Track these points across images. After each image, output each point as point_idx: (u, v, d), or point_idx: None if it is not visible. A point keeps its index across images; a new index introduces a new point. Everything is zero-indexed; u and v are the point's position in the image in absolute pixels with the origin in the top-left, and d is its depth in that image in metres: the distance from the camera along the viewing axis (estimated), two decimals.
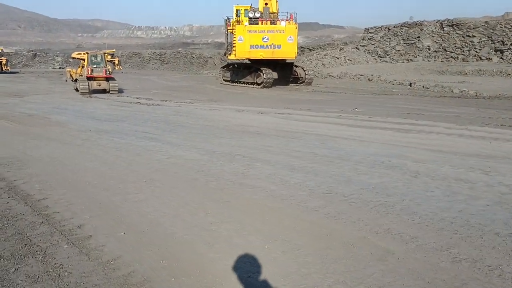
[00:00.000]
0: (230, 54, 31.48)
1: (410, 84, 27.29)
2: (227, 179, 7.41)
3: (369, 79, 31.75)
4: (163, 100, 21.92)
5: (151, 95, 24.73)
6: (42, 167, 8.08)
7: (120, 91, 27.12)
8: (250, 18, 29.41)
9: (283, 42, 28.98)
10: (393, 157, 8.95)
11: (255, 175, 7.64)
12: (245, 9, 32.16)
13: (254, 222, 5.53)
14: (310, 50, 57.05)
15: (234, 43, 29.88)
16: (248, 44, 29.09)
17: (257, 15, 29.41)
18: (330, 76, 35.65)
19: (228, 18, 31.47)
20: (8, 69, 48.49)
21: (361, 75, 33.48)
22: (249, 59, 31.23)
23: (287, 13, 30.28)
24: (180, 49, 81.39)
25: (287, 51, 29.40)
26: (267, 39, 29.00)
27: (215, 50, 75.63)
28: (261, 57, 29.66)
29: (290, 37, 28.95)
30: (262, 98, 23.70)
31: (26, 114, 16.64)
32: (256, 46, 29.10)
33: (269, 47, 29.11)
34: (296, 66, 32.89)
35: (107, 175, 7.56)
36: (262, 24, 29.42)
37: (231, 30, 31.04)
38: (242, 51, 29.50)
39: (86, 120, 15.36)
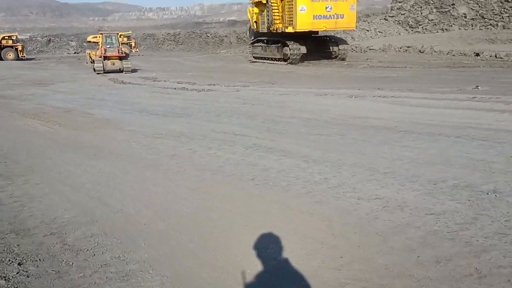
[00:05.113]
0: (274, 26, 26.60)
1: (477, 55, 22.69)
2: None
3: (420, 51, 27.06)
4: (210, 84, 17.53)
5: (190, 79, 20.30)
6: (170, 262, 3.52)
7: (133, 70, 24.81)
8: None
9: (346, 12, 24.33)
10: None
11: None
12: None
13: None
14: None
15: (291, 14, 24.84)
16: (311, 15, 24.04)
17: None
18: (370, 49, 30.93)
19: None
20: (24, 56, 43.71)
21: (408, 47, 28.76)
22: (297, 32, 26.30)
23: None
24: (179, 30, 75.50)
25: (349, 21, 24.93)
26: (330, 8, 24.09)
27: (229, 28, 70.13)
28: (324, 29, 25.03)
29: (352, 6, 24.42)
30: (322, 78, 19.28)
31: (62, 109, 12.32)
32: (319, 17, 24.17)
33: (332, 17, 24.30)
34: (330, 40, 28.27)
35: None
36: None
37: (274, 2, 26.13)
38: (305, 23, 24.40)
39: (139, 115, 11.09)
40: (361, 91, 13.34)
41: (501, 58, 21.02)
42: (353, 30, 26.64)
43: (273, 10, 26.49)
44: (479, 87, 12.25)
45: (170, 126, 9.29)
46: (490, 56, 22.15)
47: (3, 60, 40.62)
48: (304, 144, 7.18)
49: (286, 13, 25.72)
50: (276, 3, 26.64)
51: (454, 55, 24.17)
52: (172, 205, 4.63)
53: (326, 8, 24.31)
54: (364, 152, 6.46)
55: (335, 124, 8.80)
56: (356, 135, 7.67)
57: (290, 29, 25.17)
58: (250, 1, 30.66)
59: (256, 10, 30.31)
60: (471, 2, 37.51)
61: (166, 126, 9.32)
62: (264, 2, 27.33)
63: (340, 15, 24.57)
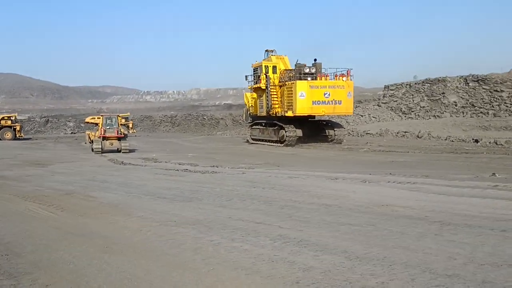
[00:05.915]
0: (273, 110, 27.28)
1: (477, 141, 22.84)
2: None
3: (418, 136, 27.34)
4: (213, 166, 17.01)
5: (191, 160, 19.89)
6: None
7: (131, 151, 25.30)
8: (305, 73, 25.55)
9: (343, 98, 25.47)
10: None
11: None
12: (273, 66, 28.52)
13: None
14: None
15: (290, 99, 25.83)
16: (310, 100, 25.18)
17: (313, 70, 25.64)
18: (367, 134, 31.28)
19: (266, 76, 27.47)
20: (22, 136, 43.84)
21: (405, 132, 29.13)
22: (296, 116, 26.74)
23: (336, 69, 26.88)
24: (175, 112, 76.85)
25: (347, 107, 26.15)
26: (329, 94, 25.35)
27: (225, 111, 71.75)
28: (323, 114, 26.25)
29: (349, 93, 25.72)
30: (326, 160, 19.01)
31: (63, 192, 11.60)
32: (318, 102, 25.28)
33: (331, 103, 25.42)
34: (326, 124, 28.85)
35: None
36: (322, 79, 25.87)
37: (273, 88, 27.05)
38: (305, 107, 25.50)
39: (146, 199, 10.39)
40: (372, 176, 12.90)
41: (501, 145, 21.11)
42: (350, 115, 27.71)
43: (272, 96, 27.32)
44: (497, 175, 11.90)
45: (183, 212, 8.60)
46: (490, 142, 22.29)
47: (0, 140, 40.48)
48: (337, 236, 6.51)
49: (285, 98, 26.50)
50: (275, 89, 27.49)
51: (453, 141, 24.35)
52: None
53: (325, 94, 25.28)
54: (407, 247, 5.80)
55: (361, 213, 8.19)
56: (389, 226, 7.04)
57: (289, 113, 25.90)
58: (249, 87, 31.64)
59: (254, 95, 31.22)
60: (461, 91, 39.00)
61: (179, 212, 8.62)
62: (263, 88, 28.14)
63: (338, 101, 25.55)
